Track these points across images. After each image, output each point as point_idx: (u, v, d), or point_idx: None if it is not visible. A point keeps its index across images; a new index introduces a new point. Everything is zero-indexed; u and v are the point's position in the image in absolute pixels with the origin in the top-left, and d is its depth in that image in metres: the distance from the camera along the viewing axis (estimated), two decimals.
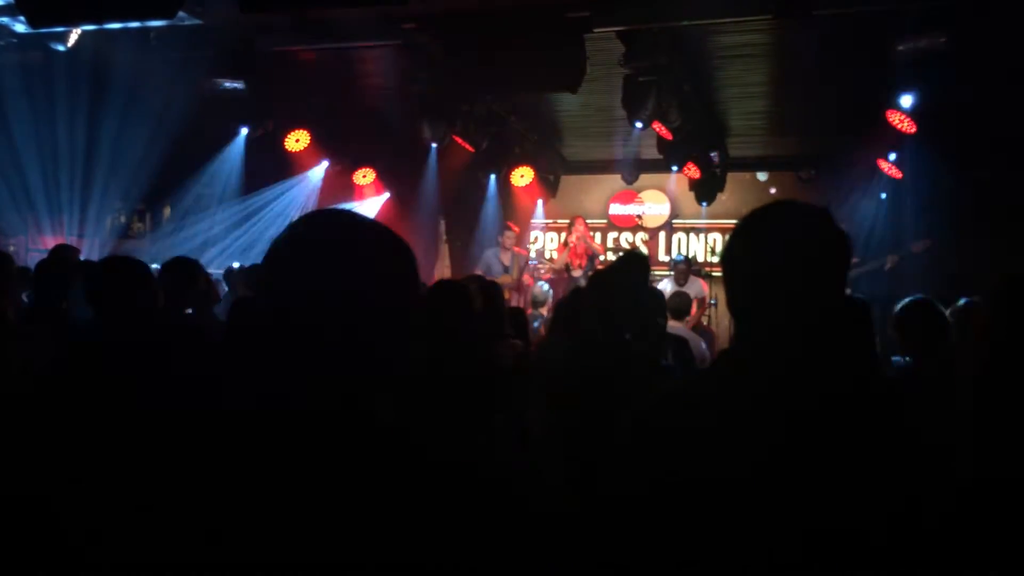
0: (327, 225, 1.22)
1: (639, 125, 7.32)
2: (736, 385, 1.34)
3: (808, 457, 1.23)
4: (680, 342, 3.86)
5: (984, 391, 2.00)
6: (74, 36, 7.10)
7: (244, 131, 9.11)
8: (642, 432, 1.37)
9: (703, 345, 5.83)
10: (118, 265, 3.12)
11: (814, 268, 1.32)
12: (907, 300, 3.35)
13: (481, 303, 3.17)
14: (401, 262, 1.22)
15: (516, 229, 9.92)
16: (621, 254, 9.33)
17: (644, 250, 10.99)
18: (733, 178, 10.23)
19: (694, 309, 8.80)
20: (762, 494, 1.22)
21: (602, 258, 9.56)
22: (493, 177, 10.49)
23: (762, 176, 10.62)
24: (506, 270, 9.50)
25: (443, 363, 2.81)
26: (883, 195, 9.26)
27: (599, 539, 1.31)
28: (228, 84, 7.41)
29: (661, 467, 1.30)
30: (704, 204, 10.27)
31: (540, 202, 11.27)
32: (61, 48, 7.21)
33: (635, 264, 3.84)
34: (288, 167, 10.03)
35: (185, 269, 4.58)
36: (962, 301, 4.12)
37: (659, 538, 1.27)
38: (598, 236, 10.70)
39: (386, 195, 10.84)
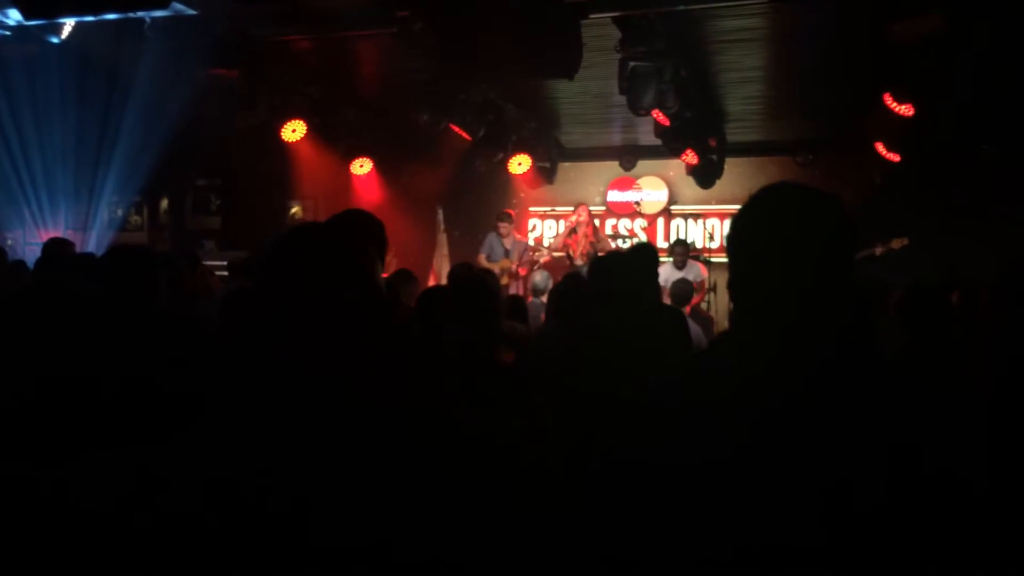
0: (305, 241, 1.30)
1: (641, 111, 7.31)
2: (730, 365, 1.34)
3: (798, 437, 1.23)
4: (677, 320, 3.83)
5: (990, 378, 2.00)
6: (68, 28, 7.08)
7: None
8: (633, 414, 1.38)
9: (699, 331, 5.82)
10: (124, 254, 3.12)
11: (818, 250, 1.31)
12: (909, 284, 3.36)
13: None
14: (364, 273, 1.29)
15: (513, 216, 9.97)
16: (630, 245, 9.32)
17: (641, 238, 10.99)
18: (731, 163, 10.22)
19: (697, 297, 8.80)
20: (748, 473, 1.22)
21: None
22: (491, 165, 10.47)
23: None
24: (506, 254, 9.54)
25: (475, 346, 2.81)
26: (878, 179, 9.24)
27: (592, 520, 1.32)
28: (223, 74, 7.38)
29: (649, 448, 1.30)
30: (705, 179, 10.20)
31: (540, 189, 11.27)
32: (55, 40, 7.19)
33: (644, 256, 3.84)
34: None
35: (183, 260, 4.59)
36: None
37: (645, 519, 1.27)
38: (596, 222, 10.68)
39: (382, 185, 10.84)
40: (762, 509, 1.20)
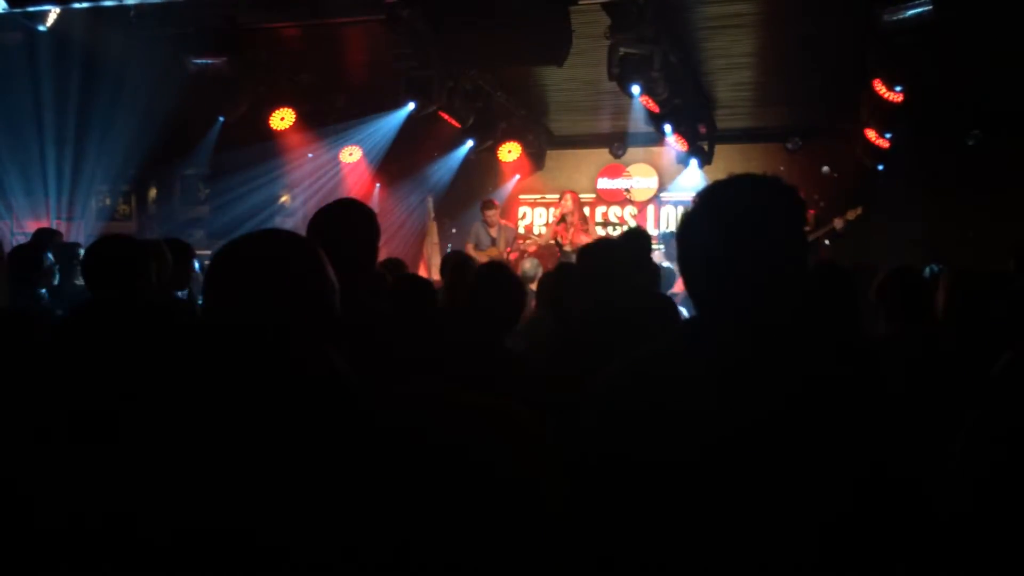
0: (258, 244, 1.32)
1: (636, 92, 7.30)
2: (696, 357, 1.34)
3: (772, 425, 1.22)
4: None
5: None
6: (53, 16, 7.00)
7: None
8: (600, 407, 1.38)
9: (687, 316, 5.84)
10: (115, 244, 3.11)
11: (761, 237, 1.32)
12: (890, 269, 3.36)
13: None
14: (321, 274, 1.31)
15: (497, 204, 9.92)
16: (625, 230, 9.29)
17: (634, 225, 10.98)
18: (721, 149, 10.23)
19: (680, 283, 8.79)
20: (722, 464, 1.22)
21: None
22: (481, 153, 10.44)
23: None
24: (493, 242, 9.51)
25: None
26: (868, 165, 9.26)
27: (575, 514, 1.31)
28: (211, 62, 7.33)
29: (620, 441, 1.30)
30: (699, 164, 10.16)
31: (529, 177, 11.26)
32: (41, 28, 7.11)
33: (635, 241, 3.84)
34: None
35: (174, 251, 4.57)
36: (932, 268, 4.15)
37: (623, 514, 1.27)
38: (586, 210, 10.66)
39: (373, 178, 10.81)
40: (726, 500, 1.19)
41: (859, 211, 8.32)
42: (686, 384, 1.30)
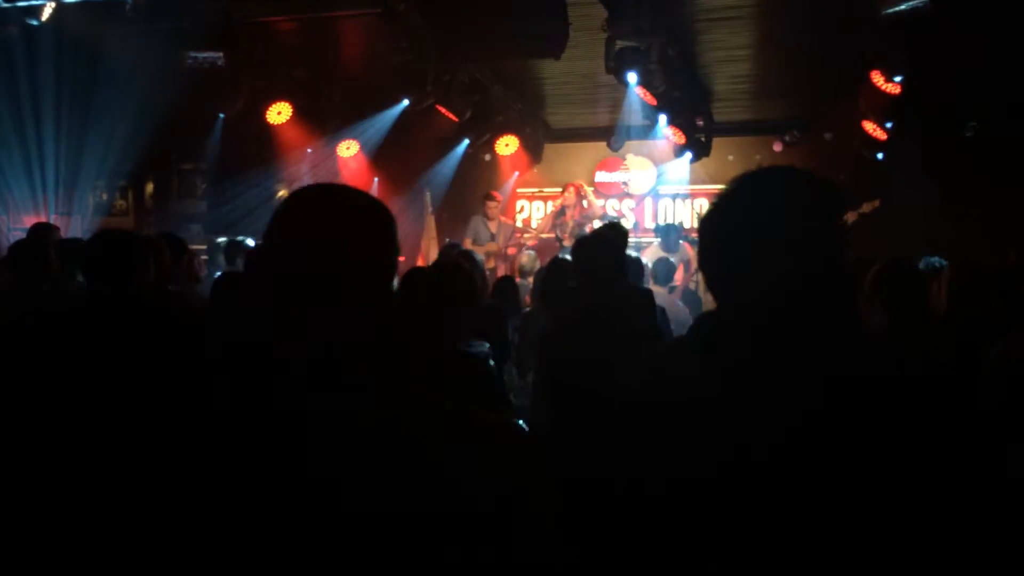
0: (318, 198, 1.25)
1: (633, 84, 7.30)
2: (712, 353, 1.32)
3: (785, 425, 1.21)
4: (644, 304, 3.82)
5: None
6: (48, 10, 6.99)
7: None
8: (614, 406, 1.37)
9: (687, 312, 5.84)
10: (113, 239, 3.11)
11: (788, 233, 1.29)
12: (885, 260, 3.37)
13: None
14: (386, 236, 1.23)
15: (499, 197, 9.88)
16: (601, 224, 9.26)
17: (630, 218, 10.96)
18: (719, 142, 10.21)
19: (680, 275, 8.80)
20: (736, 463, 1.21)
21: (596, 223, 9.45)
22: (479, 146, 10.42)
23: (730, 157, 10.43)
24: (492, 237, 9.48)
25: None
26: (866, 156, 9.25)
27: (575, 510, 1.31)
28: (206, 56, 7.31)
29: (632, 443, 1.30)
30: (691, 159, 10.12)
31: (527, 171, 11.23)
32: (36, 23, 7.09)
33: (612, 234, 3.84)
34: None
35: (171, 245, 4.57)
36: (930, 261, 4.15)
37: (630, 513, 1.27)
38: (585, 203, 10.63)
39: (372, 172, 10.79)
40: (740, 507, 1.19)
41: (876, 204, 8.22)
42: (701, 383, 1.28)
